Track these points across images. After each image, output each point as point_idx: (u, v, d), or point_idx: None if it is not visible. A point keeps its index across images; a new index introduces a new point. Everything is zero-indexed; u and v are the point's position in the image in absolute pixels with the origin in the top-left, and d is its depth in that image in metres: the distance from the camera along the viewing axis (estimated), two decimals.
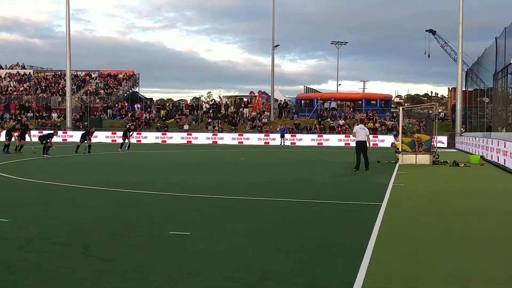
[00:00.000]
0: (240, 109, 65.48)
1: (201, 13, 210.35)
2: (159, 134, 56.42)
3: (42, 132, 42.92)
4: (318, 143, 52.55)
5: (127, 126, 42.01)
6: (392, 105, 68.69)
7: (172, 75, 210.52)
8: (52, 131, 30.90)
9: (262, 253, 7.63)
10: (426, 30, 71.22)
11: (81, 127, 58.96)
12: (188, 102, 76.84)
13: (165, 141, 54.89)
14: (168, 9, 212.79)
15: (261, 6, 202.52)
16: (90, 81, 73.24)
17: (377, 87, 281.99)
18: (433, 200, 13.44)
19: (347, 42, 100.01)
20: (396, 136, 30.21)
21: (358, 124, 22.74)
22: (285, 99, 72.04)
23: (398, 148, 26.56)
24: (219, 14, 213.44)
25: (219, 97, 73.64)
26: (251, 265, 7.02)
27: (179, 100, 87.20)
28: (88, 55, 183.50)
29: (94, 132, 35.00)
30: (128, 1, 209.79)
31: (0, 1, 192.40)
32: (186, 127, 59.95)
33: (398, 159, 25.73)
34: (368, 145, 21.46)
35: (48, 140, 28.97)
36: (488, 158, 27.93)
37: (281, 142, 52.64)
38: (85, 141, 32.30)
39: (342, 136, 52.62)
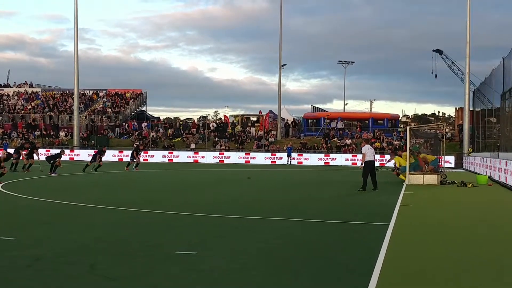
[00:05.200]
0: (247, 128, 65.56)
1: (203, 33, 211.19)
2: (165, 153, 56.46)
3: (49, 151, 43.03)
4: (325, 163, 52.47)
5: (135, 146, 41.97)
6: (400, 125, 68.63)
7: (177, 94, 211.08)
8: (59, 151, 30.90)
9: (268, 273, 7.60)
10: (433, 50, 71.30)
11: (86, 145, 59.08)
12: (195, 121, 77.00)
13: (172, 159, 54.90)
14: (170, 29, 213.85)
15: (262, 26, 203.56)
16: (98, 100, 73.55)
17: (382, 107, 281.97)
18: (441, 220, 13.37)
19: (353, 62, 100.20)
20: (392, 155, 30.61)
21: (365, 144, 22.48)
22: (294, 118, 72.12)
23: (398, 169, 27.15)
24: (220, 34, 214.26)
25: (224, 116, 73.71)
26: (258, 285, 6.99)
27: (186, 119, 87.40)
28: (94, 74, 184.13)
29: (105, 151, 35.10)
30: (129, 21, 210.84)
31: (4, 21, 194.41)
32: (193, 146, 60.01)
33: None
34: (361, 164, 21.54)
35: (57, 160, 29.10)
36: (496, 178, 27.82)
37: (288, 161, 52.60)
38: (95, 162, 32.20)
39: (349, 156, 52.55)
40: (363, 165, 21.37)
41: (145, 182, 25.92)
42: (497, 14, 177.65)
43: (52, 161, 29.24)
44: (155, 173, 33.54)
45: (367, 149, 21.64)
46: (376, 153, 23.93)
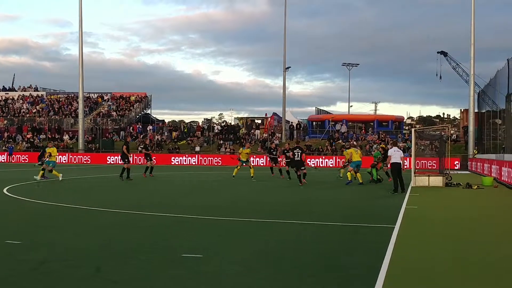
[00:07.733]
0: (252, 131, 65.57)
1: (205, 36, 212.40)
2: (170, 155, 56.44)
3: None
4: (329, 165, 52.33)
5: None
6: (405, 127, 68.50)
7: (182, 97, 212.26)
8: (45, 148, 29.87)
9: (274, 276, 7.59)
10: (438, 52, 71.23)
11: (93, 149, 59.14)
12: (200, 123, 77.04)
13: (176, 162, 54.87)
14: (172, 32, 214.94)
15: (264, 29, 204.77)
16: (103, 103, 73.66)
17: (386, 109, 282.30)
18: (446, 222, 13.34)
19: (358, 64, 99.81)
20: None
21: (391, 147, 22.71)
22: (298, 121, 72.08)
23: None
24: (222, 37, 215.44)
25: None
26: None
27: (191, 121, 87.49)
28: (98, 77, 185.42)
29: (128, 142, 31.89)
30: (131, 24, 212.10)
31: (7, 25, 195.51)
32: (197, 148, 60.02)
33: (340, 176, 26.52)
34: (402, 166, 21.36)
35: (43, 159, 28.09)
36: (501, 180, 27.71)
37: None
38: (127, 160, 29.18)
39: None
40: (388, 167, 21.80)
41: (150, 185, 25.90)
42: (501, 15, 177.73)
43: (40, 162, 28.22)
44: (160, 176, 33.49)
45: (392, 151, 21.72)
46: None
